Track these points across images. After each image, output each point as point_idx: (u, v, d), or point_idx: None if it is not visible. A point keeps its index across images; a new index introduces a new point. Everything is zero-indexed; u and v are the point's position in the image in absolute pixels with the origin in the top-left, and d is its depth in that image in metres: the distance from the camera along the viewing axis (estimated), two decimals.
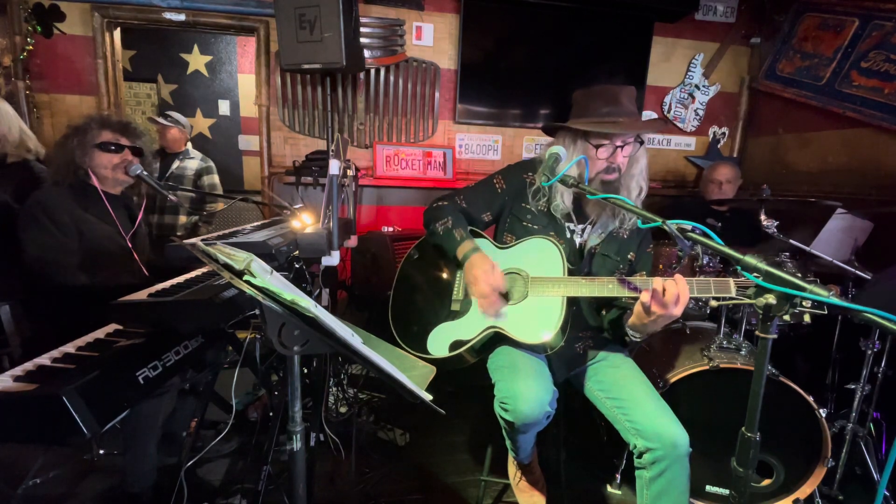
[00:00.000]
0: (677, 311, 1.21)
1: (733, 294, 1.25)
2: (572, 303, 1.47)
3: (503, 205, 1.64)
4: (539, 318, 1.42)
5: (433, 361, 1.50)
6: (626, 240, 1.56)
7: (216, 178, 3.54)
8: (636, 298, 1.28)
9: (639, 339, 1.42)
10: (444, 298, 1.60)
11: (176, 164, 3.34)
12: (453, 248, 1.52)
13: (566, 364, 1.58)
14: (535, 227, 1.56)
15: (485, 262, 1.44)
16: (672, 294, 1.19)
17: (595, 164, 1.44)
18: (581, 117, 1.48)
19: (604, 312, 1.57)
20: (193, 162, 3.42)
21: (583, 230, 1.57)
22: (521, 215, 1.59)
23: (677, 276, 1.22)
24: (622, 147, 1.43)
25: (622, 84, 1.48)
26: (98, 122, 1.69)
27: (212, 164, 3.51)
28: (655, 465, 1.33)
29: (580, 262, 1.56)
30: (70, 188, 1.65)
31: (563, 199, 1.51)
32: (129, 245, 1.75)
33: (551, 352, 1.47)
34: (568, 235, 1.56)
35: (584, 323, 1.60)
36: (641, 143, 1.46)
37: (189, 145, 3.46)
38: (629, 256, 1.56)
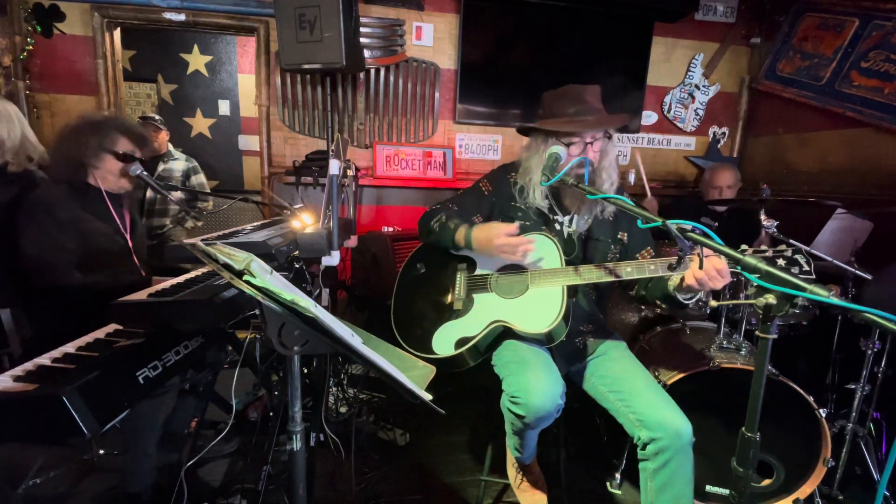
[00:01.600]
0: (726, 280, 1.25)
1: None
2: (572, 292, 1.51)
3: (492, 206, 1.70)
4: (541, 309, 1.45)
5: (439, 361, 1.51)
6: (612, 221, 1.60)
7: (203, 177, 3.55)
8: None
9: (693, 301, 1.43)
10: (446, 298, 1.62)
11: (161, 166, 3.33)
12: (450, 237, 1.57)
13: (566, 359, 1.59)
14: (528, 223, 1.61)
15: (486, 228, 1.50)
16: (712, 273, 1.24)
17: (567, 161, 1.48)
18: (550, 118, 1.54)
19: (643, 292, 1.56)
20: (179, 163, 3.42)
21: (570, 220, 1.61)
22: (513, 214, 1.63)
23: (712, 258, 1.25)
24: (591, 143, 1.49)
25: (588, 83, 1.54)
26: (119, 129, 1.66)
27: (196, 163, 3.52)
28: (659, 456, 1.33)
29: (574, 251, 1.60)
30: (68, 186, 1.64)
31: (536, 198, 1.57)
32: (130, 245, 1.75)
33: (556, 341, 1.49)
34: (557, 228, 1.61)
35: (585, 315, 1.62)
36: (609, 137, 1.53)
37: (170, 146, 3.46)
38: (619, 237, 1.61)
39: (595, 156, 1.51)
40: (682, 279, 1.32)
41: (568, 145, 1.48)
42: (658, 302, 1.53)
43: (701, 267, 1.23)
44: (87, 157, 1.62)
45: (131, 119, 1.79)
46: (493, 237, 1.47)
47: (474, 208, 1.70)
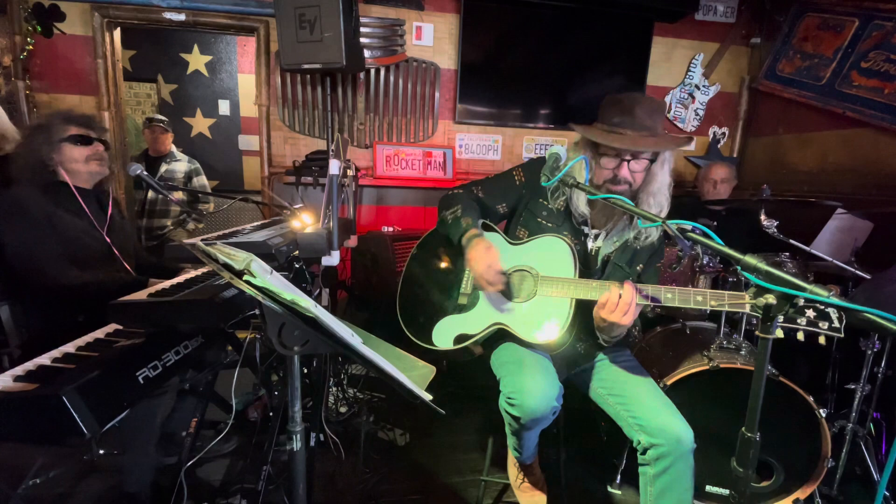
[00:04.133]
0: (626, 321, 1.25)
1: (747, 311, 1.25)
2: (581, 306, 1.43)
3: (520, 198, 1.61)
4: (546, 319, 1.41)
5: (438, 353, 1.50)
6: (639, 251, 1.53)
7: (205, 179, 3.57)
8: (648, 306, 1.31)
9: (608, 342, 1.46)
10: (452, 291, 1.60)
11: (164, 167, 3.34)
12: (459, 234, 1.50)
13: (567, 364, 1.58)
14: (550, 224, 1.54)
15: (482, 244, 1.43)
16: (613, 305, 1.25)
17: (602, 173, 1.42)
18: (598, 122, 1.46)
19: None
20: (181, 164, 3.43)
21: (597, 235, 1.54)
22: (537, 211, 1.57)
23: (626, 285, 1.25)
24: (629, 161, 1.38)
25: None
26: (62, 117, 1.67)
27: (198, 164, 3.53)
28: (660, 462, 1.33)
29: (592, 268, 1.54)
30: (39, 186, 1.62)
31: (580, 202, 1.48)
32: (108, 239, 1.73)
33: (556, 351, 1.47)
34: (582, 238, 1.54)
35: (589, 326, 1.59)
36: (653, 160, 1.40)
37: (172, 147, 3.46)
38: (637, 269, 1.55)
39: (637, 176, 1.39)
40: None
41: (602, 156, 1.39)
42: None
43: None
44: (45, 156, 1.62)
45: (73, 108, 1.79)
46: (480, 260, 1.40)
47: (501, 197, 1.61)
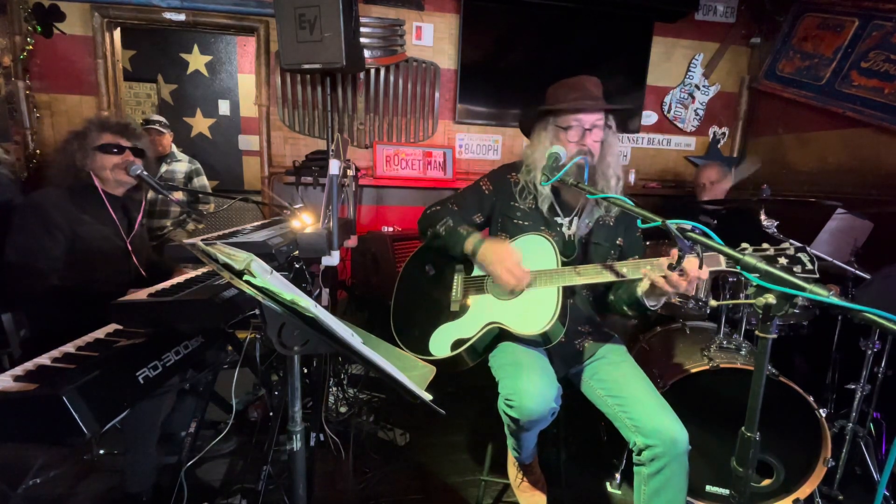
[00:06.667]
0: (692, 289, 1.28)
1: (723, 266, 1.27)
2: (568, 294, 1.49)
3: (493, 205, 1.69)
4: (536, 310, 1.43)
5: (437, 362, 1.51)
6: (613, 226, 1.61)
7: (205, 179, 3.56)
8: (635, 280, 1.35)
9: (657, 307, 1.45)
10: (444, 300, 1.62)
11: (164, 167, 3.33)
12: (460, 243, 1.54)
13: (565, 362, 1.58)
14: (526, 223, 1.60)
15: (499, 245, 1.48)
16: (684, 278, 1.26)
17: (568, 149, 1.48)
18: (552, 105, 1.56)
19: (611, 298, 1.57)
20: (182, 165, 3.42)
21: (570, 222, 1.60)
22: (512, 214, 1.63)
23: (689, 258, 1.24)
24: (590, 130, 1.48)
25: (587, 75, 1.56)
26: (98, 124, 1.70)
27: (199, 164, 3.52)
28: (654, 462, 1.34)
29: (574, 253, 1.58)
30: (69, 190, 1.66)
31: (542, 192, 1.57)
32: (129, 247, 1.75)
33: (553, 342, 1.48)
34: (558, 229, 1.60)
35: (583, 316, 1.61)
36: (610, 127, 1.52)
37: (173, 147, 3.46)
38: (618, 242, 1.61)
39: (595, 146, 1.50)
40: (652, 284, 1.30)
41: (566, 129, 1.48)
42: (625, 309, 1.52)
43: (672, 268, 1.22)
44: (79, 161, 1.65)
45: (114, 115, 1.79)
46: (502, 260, 1.43)
47: (475, 208, 1.68)
